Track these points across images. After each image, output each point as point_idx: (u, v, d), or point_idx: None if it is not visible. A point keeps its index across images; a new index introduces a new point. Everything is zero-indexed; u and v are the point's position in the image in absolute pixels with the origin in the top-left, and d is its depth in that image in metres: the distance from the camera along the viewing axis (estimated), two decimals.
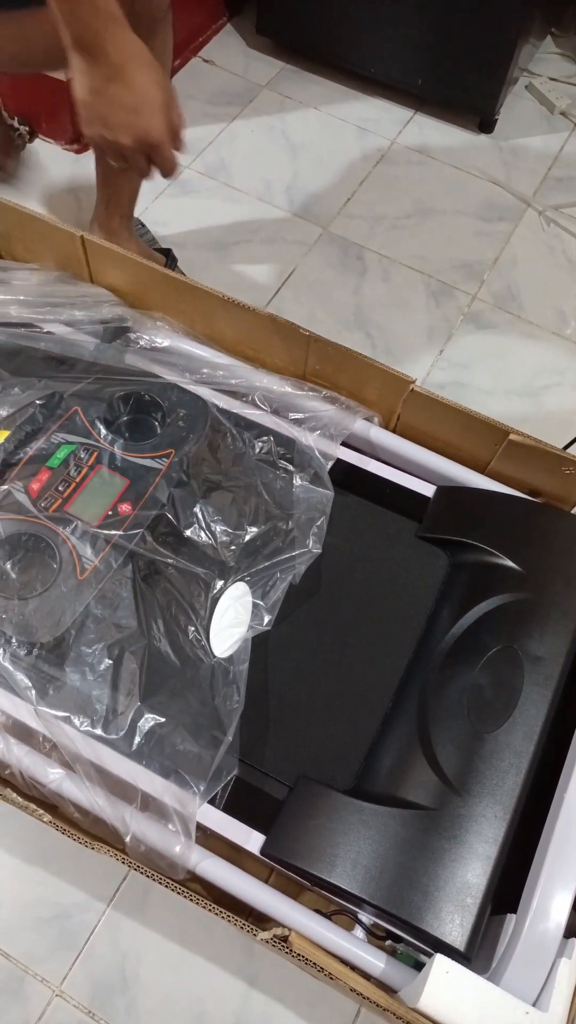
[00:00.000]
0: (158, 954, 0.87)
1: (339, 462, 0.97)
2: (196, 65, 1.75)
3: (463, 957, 0.66)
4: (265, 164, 1.58)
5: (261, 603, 0.85)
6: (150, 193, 1.53)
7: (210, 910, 0.70)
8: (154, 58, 0.79)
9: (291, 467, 0.94)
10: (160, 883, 0.71)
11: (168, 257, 1.37)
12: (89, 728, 0.76)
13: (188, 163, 1.57)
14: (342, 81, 1.73)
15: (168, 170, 0.82)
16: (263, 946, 0.72)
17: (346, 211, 1.53)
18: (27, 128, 1.58)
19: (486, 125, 1.68)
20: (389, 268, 1.46)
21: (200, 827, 0.75)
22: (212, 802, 0.76)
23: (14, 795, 0.70)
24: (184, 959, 0.87)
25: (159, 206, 1.50)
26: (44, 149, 1.57)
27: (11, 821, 0.92)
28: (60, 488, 0.86)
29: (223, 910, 0.70)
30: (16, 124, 1.56)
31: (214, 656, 0.81)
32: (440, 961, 0.64)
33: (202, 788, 0.74)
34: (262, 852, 0.74)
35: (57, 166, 1.54)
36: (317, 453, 0.94)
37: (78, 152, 1.56)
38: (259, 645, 0.84)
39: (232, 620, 0.83)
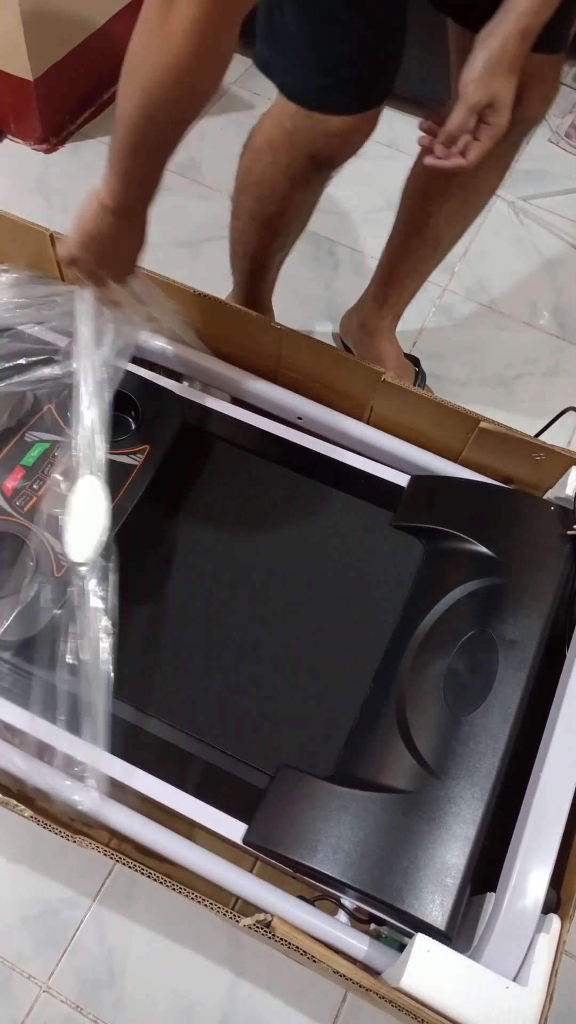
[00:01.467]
0: (145, 948, 0.88)
1: (313, 453, 0.98)
2: None
3: (444, 936, 0.67)
4: (235, 161, 1.57)
5: None
6: None
7: (194, 899, 0.70)
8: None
9: None
10: (145, 875, 0.72)
11: (417, 366, 1.33)
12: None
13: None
14: None
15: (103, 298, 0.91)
16: (246, 932, 0.73)
17: (317, 207, 1.54)
18: None
19: None
20: (361, 262, 1.47)
21: (183, 817, 0.75)
22: (194, 792, 0.77)
23: None
24: (171, 952, 0.88)
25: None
26: (12, 149, 1.57)
27: None
28: (35, 487, 0.86)
29: (206, 897, 0.71)
30: None
31: (73, 563, 0.80)
32: (421, 940, 0.65)
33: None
34: (244, 841, 0.74)
35: (26, 166, 1.54)
36: None
37: (47, 152, 1.56)
38: (237, 636, 0.85)
39: (87, 520, 0.82)
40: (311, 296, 1.42)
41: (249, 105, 1.69)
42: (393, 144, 1.66)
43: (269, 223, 1.08)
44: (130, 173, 0.75)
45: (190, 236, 1.47)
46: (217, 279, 1.42)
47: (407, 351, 1.37)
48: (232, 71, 1.74)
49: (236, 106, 1.68)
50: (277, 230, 1.10)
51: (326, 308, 1.41)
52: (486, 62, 0.79)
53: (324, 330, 1.38)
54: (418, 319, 1.41)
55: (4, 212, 1.02)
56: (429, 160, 0.86)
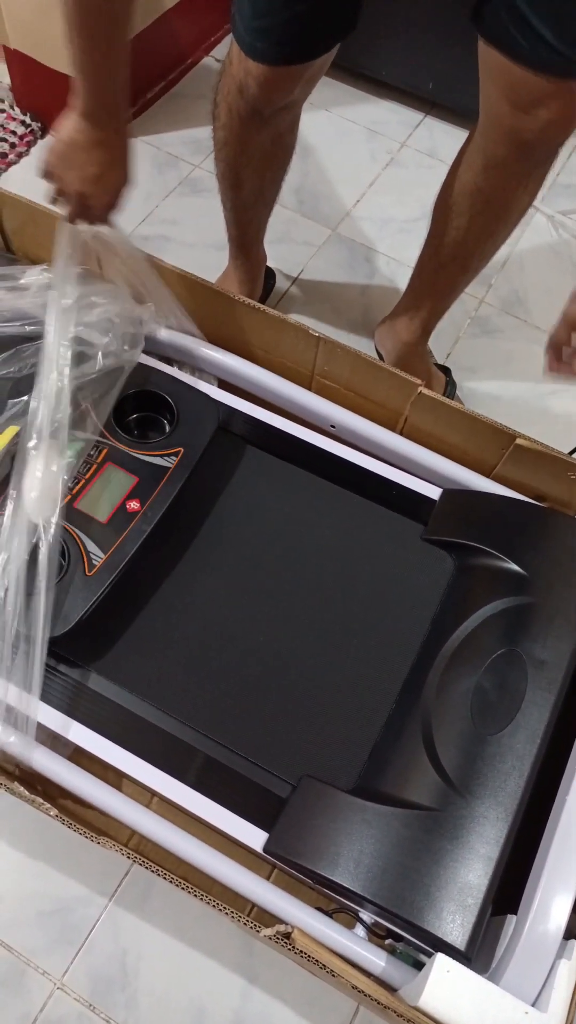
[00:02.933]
0: (159, 950, 0.88)
1: (345, 462, 0.98)
2: (207, 64, 1.75)
3: (464, 957, 0.66)
4: None
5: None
6: (160, 191, 1.53)
7: (210, 904, 0.70)
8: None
9: None
10: (163, 878, 0.72)
11: (448, 376, 1.34)
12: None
13: (199, 162, 1.57)
14: (353, 83, 1.74)
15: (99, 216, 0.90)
16: (265, 943, 0.72)
17: (355, 213, 1.54)
18: (39, 124, 1.58)
19: None
20: (396, 271, 1.47)
21: (203, 821, 0.76)
22: (214, 798, 0.77)
23: (21, 789, 0.71)
24: (185, 955, 0.88)
25: (169, 204, 1.51)
26: None
27: (15, 815, 0.93)
28: (70, 484, 0.87)
29: (225, 904, 0.71)
30: (28, 120, 1.56)
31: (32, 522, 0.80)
32: (441, 960, 0.65)
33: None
34: (265, 850, 0.74)
35: None
36: None
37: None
38: (263, 643, 0.85)
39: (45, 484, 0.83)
40: (346, 302, 1.42)
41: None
42: (432, 153, 1.65)
43: (228, 173, 1.13)
44: (84, 64, 0.77)
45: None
46: None
47: (441, 361, 1.37)
48: None
49: None
50: (238, 181, 1.14)
51: (361, 315, 1.40)
52: None
53: (358, 336, 1.38)
54: (453, 330, 1.41)
55: (48, 208, 1.02)
56: (548, 371, 0.88)
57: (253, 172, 1.13)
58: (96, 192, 0.85)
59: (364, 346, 1.34)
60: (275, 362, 1.05)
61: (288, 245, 1.48)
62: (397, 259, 1.48)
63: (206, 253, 1.45)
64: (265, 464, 0.99)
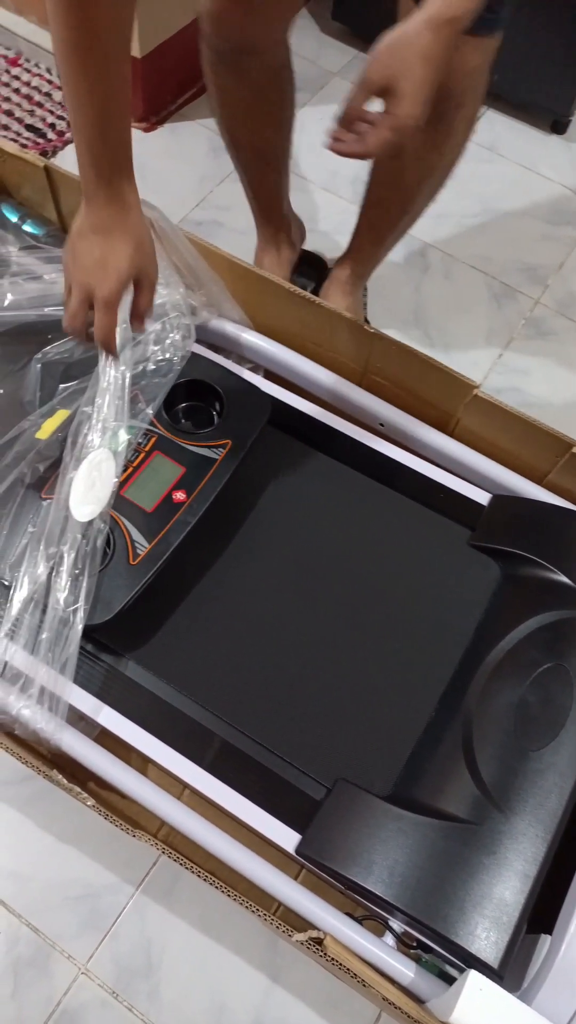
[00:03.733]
0: (183, 942, 0.88)
1: (393, 462, 0.96)
2: None
3: (495, 974, 0.65)
4: (332, 154, 1.56)
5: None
6: (215, 176, 1.52)
7: (237, 900, 0.70)
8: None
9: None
10: (191, 871, 0.72)
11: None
12: None
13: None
14: None
15: (100, 338, 0.81)
16: (295, 947, 0.72)
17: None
18: None
19: (559, 126, 1.65)
20: (452, 267, 1.44)
21: (235, 818, 0.75)
22: (248, 796, 0.76)
23: (60, 777, 0.71)
24: (209, 949, 0.88)
25: (223, 190, 1.49)
26: None
27: (46, 800, 0.93)
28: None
29: (252, 902, 0.70)
30: None
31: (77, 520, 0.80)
32: (474, 978, 0.64)
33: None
34: (297, 851, 0.73)
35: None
36: None
37: (146, 131, 1.56)
38: (303, 642, 0.84)
39: (92, 486, 0.82)
40: (399, 297, 1.40)
41: None
42: (493, 147, 1.62)
43: (222, 132, 1.13)
44: (76, 121, 0.71)
45: None
46: None
47: (493, 362, 1.34)
48: (335, 61, 1.72)
49: (337, 97, 1.66)
50: (233, 139, 1.14)
51: (413, 312, 1.38)
52: (391, 42, 0.71)
53: (409, 332, 1.36)
54: (506, 331, 1.38)
55: None
56: (331, 145, 0.78)
57: (243, 128, 1.11)
58: (96, 282, 0.77)
59: (416, 341, 1.32)
60: (325, 356, 1.04)
61: (342, 236, 1.45)
62: (453, 255, 1.45)
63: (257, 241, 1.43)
64: (311, 460, 0.97)
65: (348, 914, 0.73)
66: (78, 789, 0.69)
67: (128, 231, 0.77)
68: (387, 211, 1.13)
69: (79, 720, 0.80)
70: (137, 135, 1.55)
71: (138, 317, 0.83)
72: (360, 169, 1.54)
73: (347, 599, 0.88)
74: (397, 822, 0.72)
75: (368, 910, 0.77)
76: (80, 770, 0.79)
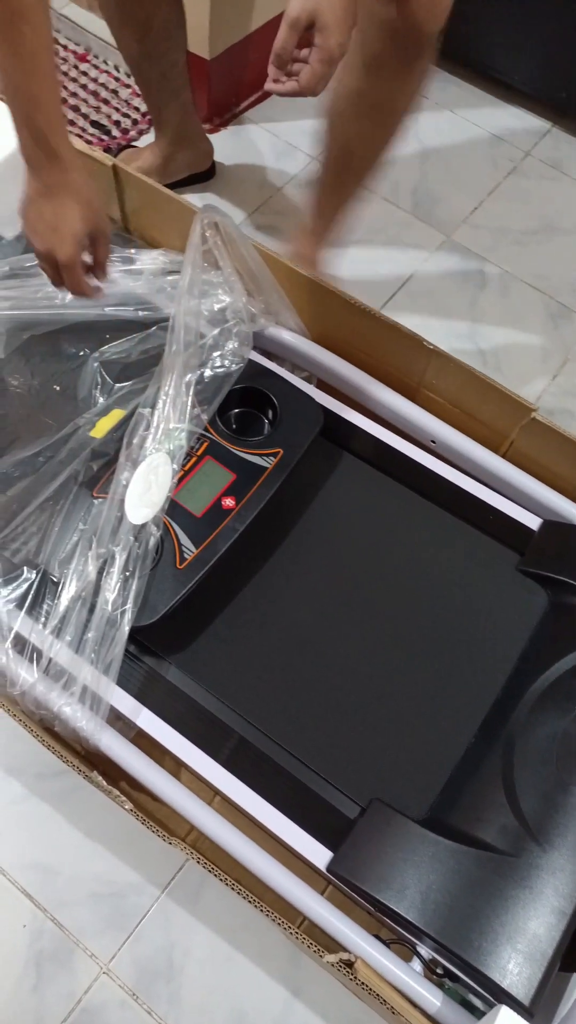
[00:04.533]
0: (206, 949, 0.88)
1: (443, 480, 0.95)
2: None
3: (526, 1012, 0.64)
4: (394, 163, 1.55)
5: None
6: (276, 181, 1.52)
7: (262, 910, 0.70)
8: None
9: None
10: (218, 878, 0.71)
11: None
12: None
13: (318, 154, 1.56)
14: (481, 86, 1.69)
15: (75, 292, 0.85)
16: (324, 967, 0.71)
17: (471, 220, 1.50)
18: None
19: None
20: (509, 284, 1.43)
21: (267, 831, 0.75)
22: (282, 809, 0.76)
23: (99, 779, 0.71)
24: (231, 958, 0.87)
25: (283, 195, 1.49)
26: None
27: (78, 795, 0.93)
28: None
29: (277, 914, 0.70)
30: None
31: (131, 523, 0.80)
32: (505, 1014, 0.63)
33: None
34: (329, 869, 0.73)
35: None
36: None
37: (210, 132, 1.56)
38: (344, 657, 0.83)
39: (148, 488, 0.82)
40: (453, 312, 1.39)
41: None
42: (557, 165, 1.60)
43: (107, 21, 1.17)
44: (8, 84, 0.72)
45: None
46: (361, 282, 1.40)
47: (547, 383, 1.32)
48: None
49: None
50: (116, 33, 1.18)
51: (467, 327, 1.37)
52: None
53: (462, 347, 1.34)
54: (562, 350, 1.36)
55: (168, 192, 1.02)
56: (267, 85, 0.82)
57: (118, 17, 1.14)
58: (54, 246, 0.79)
59: (468, 357, 1.30)
60: (380, 368, 1.03)
61: (400, 247, 1.45)
62: (510, 271, 1.44)
63: None
64: (360, 473, 0.97)
65: (376, 936, 0.73)
66: (116, 792, 0.70)
67: (72, 191, 0.78)
68: (351, 166, 1.13)
69: (116, 720, 0.80)
70: None
71: (100, 268, 0.86)
72: (420, 180, 1.54)
73: (391, 616, 0.87)
74: (433, 848, 0.71)
75: (396, 933, 0.76)
76: (113, 768, 0.79)
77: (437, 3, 0.88)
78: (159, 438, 0.83)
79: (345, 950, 0.69)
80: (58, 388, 0.95)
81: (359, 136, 1.05)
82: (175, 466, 0.84)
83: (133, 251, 1.03)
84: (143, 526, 0.80)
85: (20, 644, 0.78)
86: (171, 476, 0.83)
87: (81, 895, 0.89)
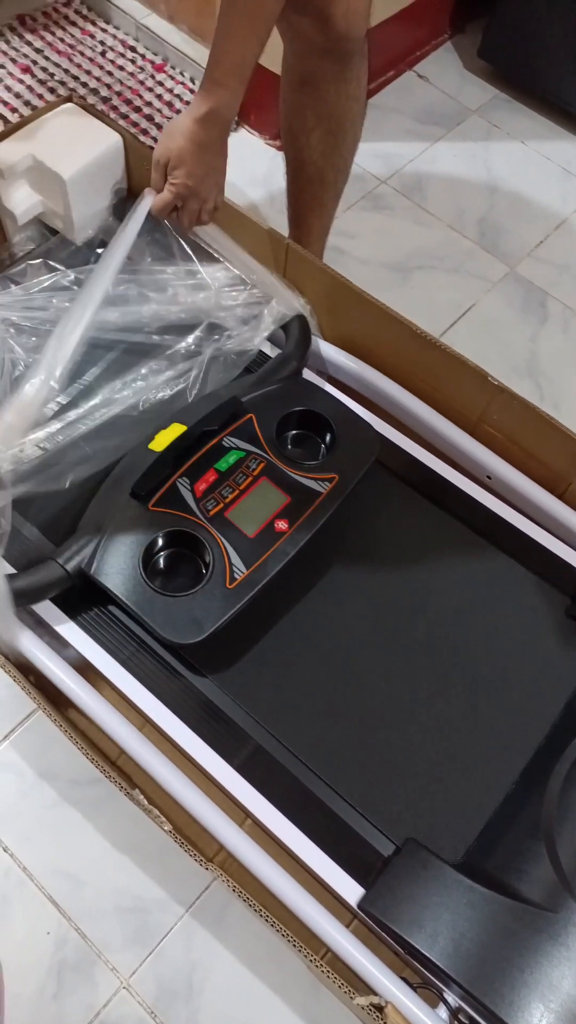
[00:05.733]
0: (227, 972, 0.87)
1: (497, 518, 0.95)
2: (409, 79, 1.73)
3: None
4: (462, 191, 1.55)
5: None
6: (342, 203, 1.52)
7: (288, 940, 0.69)
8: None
9: None
10: (244, 901, 0.71)
11: None
12: None
13: (386, 178, 1.56)
14: (554, 118, 1.68)
15: (189, 226, 1.02)
16: (352, 1008, 0.70)
17: (536, 254, 1.49)
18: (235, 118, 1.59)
19: None
20: (571, 320, 1.41)
21: (300, 861, 0.74)
22: (315, 840, 0.75)
23: (140, 796, 0.71)
24: (251, 985, 0.87)
25: (349, 218, 1.49)
26: (247, 140, 1.58)
27: (109, 804, 0.93)
28: (224, 493, 0.86)
29: (302, 943, 0.69)
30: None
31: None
32: None
33: None
34: (360, 907, 0.72)
35: (256, 159, 1.55)
36: None
37: (280, 149, 1.57)
38: (386, 691, 0.83)
39: None
40: (512, 345, 1.38)
41: (486, 136, 1.64)
42: None
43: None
44: (236, 64, 0.86)
45: (402, 261, 1.45)
46: (421, 309, 1.39)
47: None
48: (475, 98, 1.70)
49: (473, 135, 1.64)
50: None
51: (526, 361, 1.36)
52: (166, 128, 0.92)
53: (520, 382, 1.33)
54: None
55: (236, 206, 1.02)
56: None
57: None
58: (200, 191, 0.95)
59: (526, 392, 1.29)
60: (440, 400, 1.02)
61: (463, 277, 1.45)
62: (573, 308, 1.42)
63: (378, 271, 1.43)
64: (413, 504, 0.96)
65: (404, 979, 0.72)
66: (156, 812, 0.69)
67: (225, 152, 0.95)
68: (322, 181, 1.15)
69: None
70: (269, 152, 1.57)
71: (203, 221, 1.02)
72: (487, 210, 1.53)
73: (436, 652, 0.86)
74: (468, 894, 0.70)
75: (422, 977, 0.75)
76: (140, 777, 0.79)
77: (354, 11, 0.94)
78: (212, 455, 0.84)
79: (372, 991, 0.68)
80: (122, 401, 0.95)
81: (314, 147, 1.09)
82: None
83: (195, 265, 1.04)
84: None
85: None
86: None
87: (106, 907, 0.89)
